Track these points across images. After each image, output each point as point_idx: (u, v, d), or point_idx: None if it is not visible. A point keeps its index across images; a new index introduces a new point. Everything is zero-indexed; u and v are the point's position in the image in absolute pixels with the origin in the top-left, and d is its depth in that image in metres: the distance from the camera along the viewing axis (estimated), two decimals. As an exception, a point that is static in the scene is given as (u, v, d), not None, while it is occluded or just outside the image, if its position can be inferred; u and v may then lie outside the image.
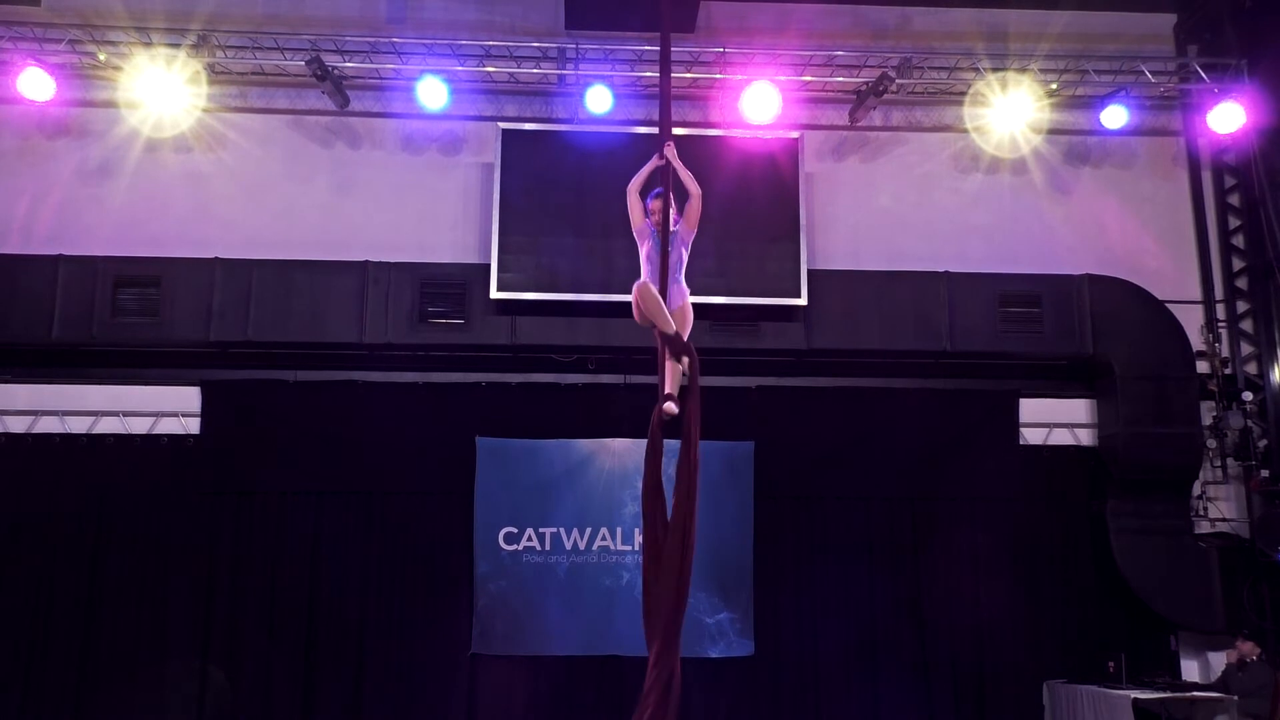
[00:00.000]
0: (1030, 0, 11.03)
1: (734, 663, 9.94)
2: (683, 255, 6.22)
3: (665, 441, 5.93)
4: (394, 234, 10.43)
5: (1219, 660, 9.85)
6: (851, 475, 10.37)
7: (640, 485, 6.20)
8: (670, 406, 5.89)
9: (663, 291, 6.00)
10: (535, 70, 10.47)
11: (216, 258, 10.10)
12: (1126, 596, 10.18)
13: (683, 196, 6.21)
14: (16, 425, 10.12)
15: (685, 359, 5.93)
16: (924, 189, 10.96)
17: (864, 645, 10.11)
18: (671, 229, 6.11)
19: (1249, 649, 9.33)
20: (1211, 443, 10.57)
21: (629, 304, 6.10)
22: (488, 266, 10.01)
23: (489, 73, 10.43)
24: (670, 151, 6.18)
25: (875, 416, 10.45)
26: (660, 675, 5.62)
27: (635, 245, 6.36)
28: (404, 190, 10.63)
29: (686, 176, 6.17)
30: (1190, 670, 10.21)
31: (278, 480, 10.06)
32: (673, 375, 6.02)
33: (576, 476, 10.16)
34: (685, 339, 6.02)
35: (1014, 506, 10.42)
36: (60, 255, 10.00)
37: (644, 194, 6.30)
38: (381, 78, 10.52)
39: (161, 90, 9.95)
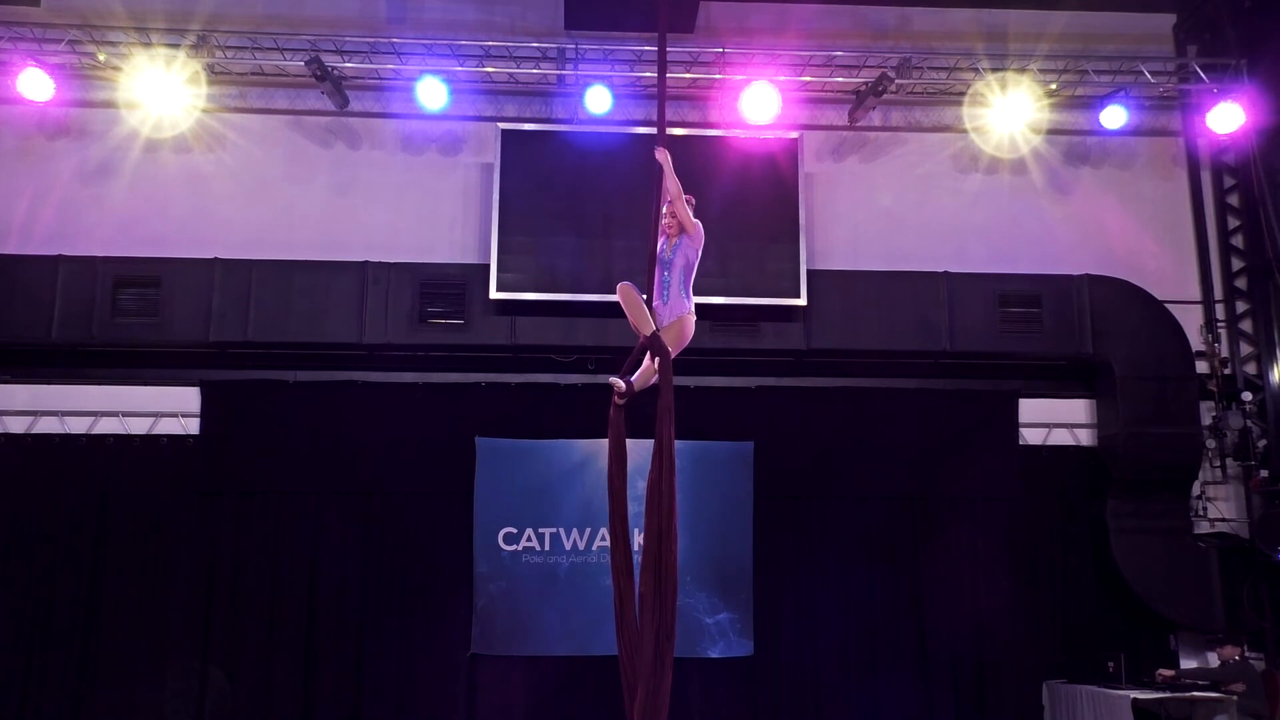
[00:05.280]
0: (1030, 0, 11.03)
1: (734, 663, 9.94)
2: (692, 270, 6.07)
3: (639, 442, 5.84)
4: (394, 234, 10.43)
5: (1217, 661, 9.84)
6: (851, 475, 10.37)
7: (641, 486, 6.12)
8: (619, 383, 5.80)
9: (649, 299, 5.95)
10: (535, 70, 10.47)
11: (216, 258, 10.10)
12: (1126, 596, 10.19)
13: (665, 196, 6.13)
14: (16, 425, 10.12)
15: (657, 359, 5.79)
16: (924, 189, 10.96)
17: (864, 645, 10.11)
18: (673, 239, 6.08)
19: (1229, 652, 9.37)
20: (1211, 443, 10.57)
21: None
22: (487, 267, 10.01)
23: (488, 73, 10.43)
24: (659, 154, 6.10)
25: (875, 416, 10.44)
26: None
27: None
28: (404, 190, 10.63)
29: (670, 177, 6.02)
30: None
31: (278, 480, 10.06)
32: (645, 371, 5.98)
33: (576, 477, 10.15)
34: (671, 349, 5.86)
35: (1013, 506, 10.41)
36: (60, 255, 10.00)
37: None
38: (381, 78, 10.51)
39: (161, 90, 9.95)
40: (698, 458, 9.97)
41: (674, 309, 5.99)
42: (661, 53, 6.51)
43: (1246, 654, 9.46)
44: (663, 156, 6.06)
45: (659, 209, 6.11)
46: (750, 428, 10.28)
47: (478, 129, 10.72)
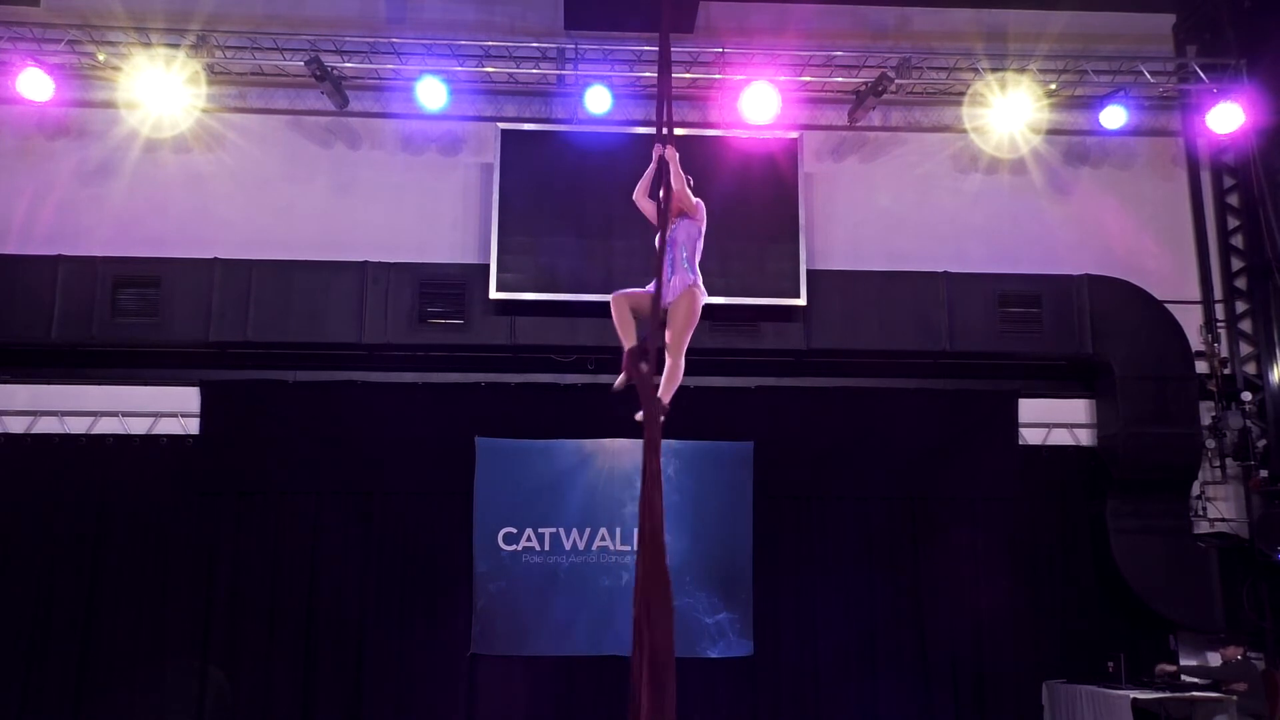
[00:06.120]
0: (1030, 0, 11.04)
1: (733, 663, 9.94)
2: (696, 245, 6.10)
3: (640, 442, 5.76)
4: (393, 234, 10.43)
5: (1218, 661, 9.85)
6: (851, 475, 10.37)
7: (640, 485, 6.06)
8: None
9: (658, 284, 5.95)
10: (534, 70, 10.47)
11: (216, 258, 10.10)
12: (1126, 596, 10.19)
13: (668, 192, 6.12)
14: (15, 425, 10.12)
15: (627, 369, 5.74)
16: (923, 189, 10.96)
17: (864, 645, 10.11)
18: (674, 220, 6.08)
19: (1231, 652, 9.41)
20: (1210, 443, 10.57)
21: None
22: (487, 267, 10.01)
23: (488, 73, 10.43)
24: (667, 152, 6.08)
25: (875, 416, 10.45)
26: None
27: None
28: (403, 190, 10.63)
29: (675, 174, 5.99)
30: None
31: (277, 480, 10.06)
32: (668, 372, 5.96)
33: (576, 476, 10.16)
34: (684, 326, 5.87)
35: (1013, 506, 10.42)
36: (60, 255, 10.00)
37: (652, 195, 6.27)
38: (381, 78, 10.52)
39: (161, 90, 9.95)
40: (698, 458, 9.98)
41: (680, 282, 5.98)
42: (664, 51, 6.48)
43: (1248, 654, 9.47)
44: (670, 154, 6.05)
45: (666, 205, 6.11)
46: (750, 428, 10.28)
47: (477, 129, 10.72)
